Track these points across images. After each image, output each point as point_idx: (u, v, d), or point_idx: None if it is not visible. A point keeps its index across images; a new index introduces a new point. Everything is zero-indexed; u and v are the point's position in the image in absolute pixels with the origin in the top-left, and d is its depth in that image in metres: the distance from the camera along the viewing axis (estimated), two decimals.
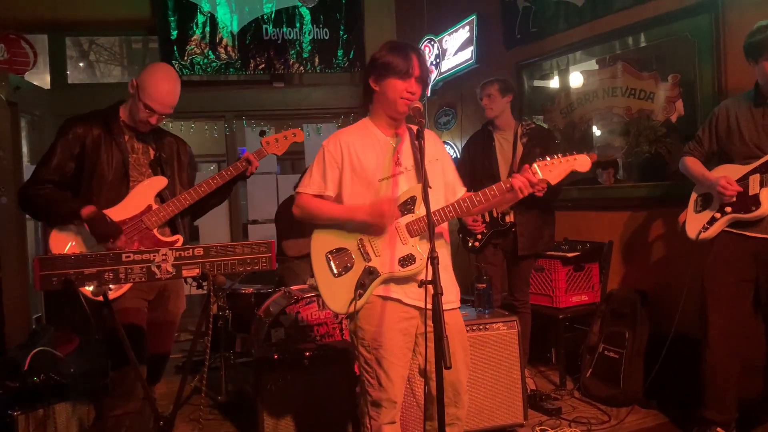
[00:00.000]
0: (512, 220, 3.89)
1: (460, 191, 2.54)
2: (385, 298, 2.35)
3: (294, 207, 2.51)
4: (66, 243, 2.61)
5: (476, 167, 3.99)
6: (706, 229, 3.05)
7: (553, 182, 2.35)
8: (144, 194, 2.74)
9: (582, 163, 2.34)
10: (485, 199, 2.35)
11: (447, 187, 2.52)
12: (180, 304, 2.96)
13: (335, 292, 2.38)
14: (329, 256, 2.41)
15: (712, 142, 3.13)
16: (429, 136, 2.48)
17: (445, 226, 2.48)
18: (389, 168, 2.40)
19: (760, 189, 2.86)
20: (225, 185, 2.95)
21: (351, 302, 2.32)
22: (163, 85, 2.71)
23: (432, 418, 2.46)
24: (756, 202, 2.87)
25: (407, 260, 2.33)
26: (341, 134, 2.48)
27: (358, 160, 2.40)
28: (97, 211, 2.57)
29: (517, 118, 4.07)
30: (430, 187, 2.31)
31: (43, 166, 2.63)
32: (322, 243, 2.44)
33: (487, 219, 3.92)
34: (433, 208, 2.25)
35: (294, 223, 5.12)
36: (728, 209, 2.97)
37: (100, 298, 2.18)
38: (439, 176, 2.48)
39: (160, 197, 2.79)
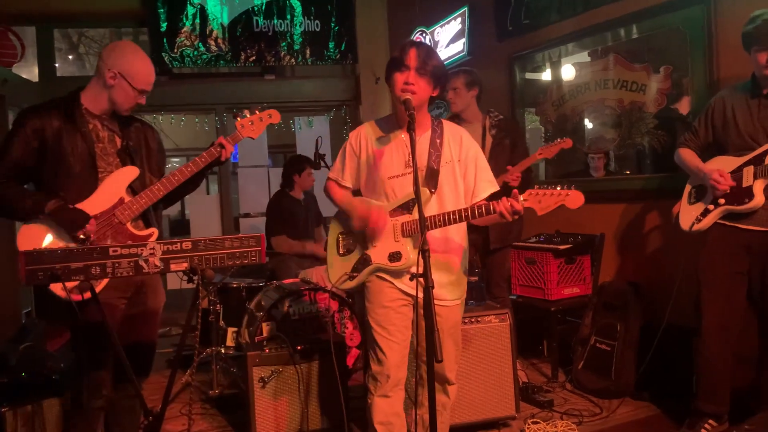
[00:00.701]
0: None
1: (482, 195, 2.51)
2: (384, 280, 2.51)
3: (325, 190, 2.75)
4: (35, 238, 2.46)
5: None
6: (700, 220, 3.05)
7: (540, 213, 2.27)
8: (115, 186, 2.59)
9: (574, 199, 2.26)
10: (459, 217, 2.34)
11: (457, 192, 2.51)
12: (159, 298, 2.84)
13: (336, 268, 2.65)
14: (340, 236, 2.67)
15: (708, 134, 3.12)
16: (451, 134, 2.52)
17: (457, 230, 2.52)
18: (400, 166, 2.48)
19: (753, 181, 2.85)
20: (199, 172, 2.84)
21: (344, 281, 2.57)
22: (147, 66, 2.65)
23: (420, 405, 2.58)
24: (749, 194, 2.86)
25: (394, 257, 2.45)
26: (365, 126, 2.62)
27: (373, 156, 2.52)
28: (59, 203, 2.44)
29: (483, 110, 4.01)
30: (433, 191, 2.42)
31: None
32: (339, 223, 2.70)
33: None
34: (436, 212, 2.37)
35: (283, 221, 5.15)
36: (722, 201, 2.96)
37: (78, 297, 2.12)
38: (451, 179, 2.49)
39: (131, 188, 2.65)
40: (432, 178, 2.45)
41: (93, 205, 2.53)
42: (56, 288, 2.31)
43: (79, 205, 2.49)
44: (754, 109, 2.91)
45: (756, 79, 2.92)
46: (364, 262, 2.51)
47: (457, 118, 4.01)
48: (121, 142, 2.70)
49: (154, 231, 2.66)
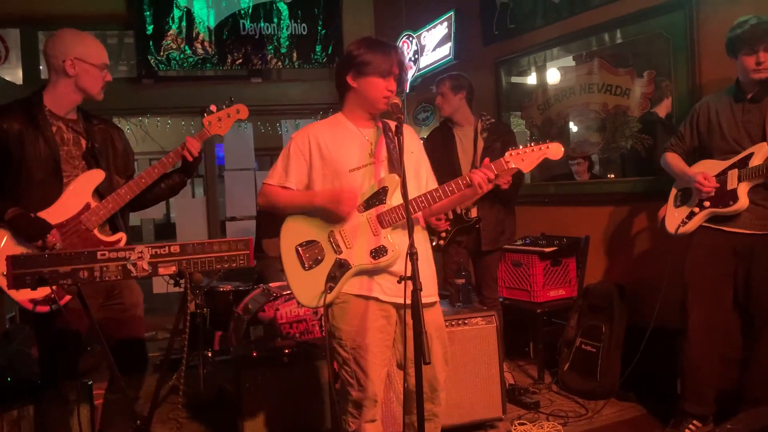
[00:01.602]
0: (477, 215, 3.91)
1: (432, 186, 2.52)
2: (361, 297, 2.33)
3: (258, 196, 2.50)
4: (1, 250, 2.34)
5: (437, 164, 3.98)
6: (685, 223, 3.09)
7: (526, 170, 2.39)
8: (80, 191, 2.50)
9: (554, 151, 2.37)
10: (444, 194, 2.34)
11: (419, 180, 2.51)
12: (135, 294, 2.76)
13: (305, 286, 2.35)
14: (299, 249, 2.38)
15: (693, 138, 3.16)
16: (405, 129, 2.49)
17: (419, 213, 2.46)
18: (361, 158, 2.39)
19: (737, 184, 2.89)
20: (174, 177, 2.82)
21: (321, 295, 2.28)
22: (94, 40, 2.64)
23: (410, 412, 2.47)
24: (734, 196, 2.91)
25: (379, 252, 2.31)
26: (310, 127, 2.47)
27: (327, 151, 2.38)
28: (19, 211, 2.36)
29: (475, 113, 4.06)
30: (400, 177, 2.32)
31: None
32: (291, 235, 2.41)
33: (451, 216, 3.94)
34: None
35: (275, 223, 5.13)
36: (707, 204, 3.01)
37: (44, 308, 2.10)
38: (411, 168, 2.45)
39: (98, 192, 2.57)
40: (397, 165, 2.36)
41: (57, 212, 2.44)
42: (22, 299, 2.26)
43: (43, 213, 2.41)
44: (738, 114, 2.96)
45: (740, 83, 2.97)
46: (341, 267, 2.31)
47: (449, 122, 4.04)
48: (86, 144, 2.60)
49: (121, 236, 2.59)
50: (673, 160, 3.21)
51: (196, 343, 4.19)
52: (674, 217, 3.17)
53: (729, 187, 2.92)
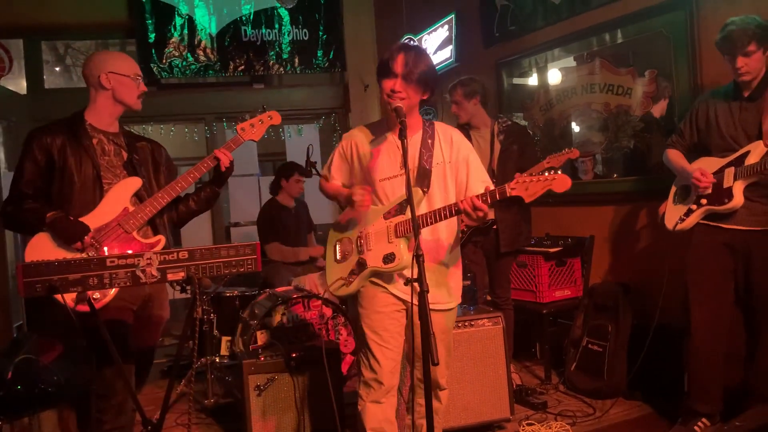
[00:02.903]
0: (492, 217, 3.92)
1: (474, 193, 2.44)
2: (378, 285, 2.52)
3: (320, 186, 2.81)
4: (41, 252, 2.49)
5: None
6: (683, 220, 3.11)
7: (527, 200, 2.23)
8: (119, 197, 2.65)
9: (561, 183, 2.18)
10: (456, 212, 2.31)
11: (447, 192, 2.52)
12: (164, 313, 2.90)
13: (334, 274, 2.67)
14: (337, 243, 2.69)
15: (692, 135, 3.19)
16: (443, 135, 2.55)
17: (447, 226, 2.52)
18: (392, 169, 2.50)
19: (733, 182, 2.91)
20: (208, 190, 2.95)
21: (341, 287, 2.60)
22: (124, 55, 2.84)
23: (411, 411, 2.64)
24: (729, 194, 2.93)
25: (389, 258, 2.44)
26: (357, 131, 2.66)
27: (365, 159, 2.56)
28: (59, 214, 2.50)
29: (492, 115, 4.09)
30: (426, 191, 2.43)
31: (15, 183, 2.60)
32: (336, 230, 2.73)
33: None
34: (425, 211, 2.38)
35: (273, 229, 5.16)
36: (704, 201, 3.03)
37: (85, 308, 2.15)
38: (441, 180, 2.51)
39: (138, 199, 2.71)
40: (424, 178, 2.46)
41: (97, 217, 2.58)
42: (68, 299, 2.36)
43: (84, 218, 2.55)
44: (735, 112, 2.98)
45: (736, 82, 2.99)
46: (360, 266, 2.53)
47: (465, 125, 4.06)
48: (127, 156, 2.76)
49: (160, 238, 2.72)
50: (674, 156, 3.23)
51: (204, 348, 4.20)
52: (673, 214, 3.19)
53: (725, 185, 2.95)
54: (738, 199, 2.90)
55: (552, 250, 4.24)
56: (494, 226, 3.92)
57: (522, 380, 4.01)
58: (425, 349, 1.92)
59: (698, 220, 3.07)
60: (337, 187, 2.68)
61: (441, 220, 2.35)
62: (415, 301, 2.02)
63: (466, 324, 3.34)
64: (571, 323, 4.15)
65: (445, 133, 2.57)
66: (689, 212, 3.10)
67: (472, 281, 3.56)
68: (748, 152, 2.90)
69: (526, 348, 4.60)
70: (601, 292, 4.07)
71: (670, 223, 3.18)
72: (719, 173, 2.98)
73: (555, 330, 4.28)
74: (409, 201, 2.13)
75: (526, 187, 2.21)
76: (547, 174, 2.19)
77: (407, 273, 2.28)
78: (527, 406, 3.67)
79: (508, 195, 2.23)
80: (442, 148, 2.52)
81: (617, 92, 4.25)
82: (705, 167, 3.03)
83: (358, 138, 2.61)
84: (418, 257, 2.00)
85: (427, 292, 1.97)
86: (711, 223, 3.03)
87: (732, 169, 2.93)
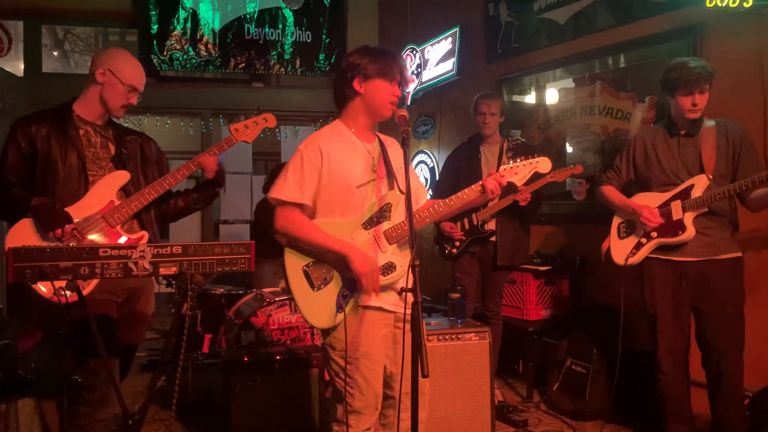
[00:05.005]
0: (492, 228, 3.93)
1: (423, 198, 2.59)
2: (366, 307, 2.31)
3: (278, 220, 2.34)
4: (21, 239, 2.43)
5: (460, 178, 4.02)
6: (634, 254, 3.17)
7: (519, 184, 2.47)
8: (105, 189, 2.60)
9: (543, 164, 2.46)
10: (457, 201, 2.41)
11: (413, 194, 2.47)
12: (149, 306, 2.85)
13: (316, 307, 2.30)
14: (306, 269, 2.32)
15: (629, 171, 3.27)
16: (391, 143, 2.52)
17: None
18: (365, 174, 2.37)
19: (683, 214, 2.99)
20: (208, 190, 2.93)
21: (334, 315, 2.25)
22: (135, 64, 2.74)
23: (390, 426, 2.44)
24: (681, 226, 3.00)
25: (388, 268, 2.31)
26: (319, 139, 2.36)
27: (338, 167, 2.31)
28: (45, 199, 2.46)
29: (502, 133, 4.16)
30: (403, 192, 2.35)
31: None
32: (298, 255, 2.34)
33: (467, 226, 3.96)
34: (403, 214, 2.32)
35: (272, 244, 5.10)
36: (654, 234, 3.10)
37: (61, 299, 2.09)
38: (402, 184, 2.44)
39: (124, 193, 2.66)
40: (397, 180, 2.41)
41: (81, 208, 2.53)
42: (47, 289, 2.34)
43: (68, 209, 2.50)
44: (674, 148, 3.09)
45: (673, 119, 3.10)
46: (350, 284, 2.27)
47: (476, 138, 4.12)
48: (114, 149, 2.71)
49: (143, 234, 2.66)
50: (611, 193, 3.30)
51: (186, 344, 4.16)
52: (621, 248, 3.23)
53: (675, 217, 3.02)
54: (690, 230, 2.98)
55: (542, 268, 4.25)
56: (492, 237, 3.93)
57: (504, 396, 4.00)
58: (415, 360, 1.89)
59: (648, 254, 3.13)
60: (323, 234, 2.27)
61: (457, 204, 2.41)
62: (408, 312, 1.95)
63: (453, 337, 3.32)
64: (556, 342, 4.15)
65: (391, 142, 2.52)
66: (639, 245, 3.15)
67: (461, 294, 3.54)
68: (692, 185, 2.99)
69: (510, 364, 4.60)
70: (588, 314, 4.07)
71: (619, 258, 3.21)
72: (665, 206, 3.05)
73: (540, 348, 4.28)
74: (408, 206, 2.09)
75: (515, 172, 2.43)
76: (530, 158, 2.46)
77: (401, 282, 2.27)
78: (508, 423, 3.66)
79: (501, 182, 2.38)
80: (394, 155, 2.46)
81: (616, 116, 4.27)
82: (648, 203, 3.10)
83: (324, 145, 2.33)
84: (413, 267, 1.96)
85: (420, 302, 1.95)
86: (662, 257, 3.09)
87: (679, 203, 3.00)
